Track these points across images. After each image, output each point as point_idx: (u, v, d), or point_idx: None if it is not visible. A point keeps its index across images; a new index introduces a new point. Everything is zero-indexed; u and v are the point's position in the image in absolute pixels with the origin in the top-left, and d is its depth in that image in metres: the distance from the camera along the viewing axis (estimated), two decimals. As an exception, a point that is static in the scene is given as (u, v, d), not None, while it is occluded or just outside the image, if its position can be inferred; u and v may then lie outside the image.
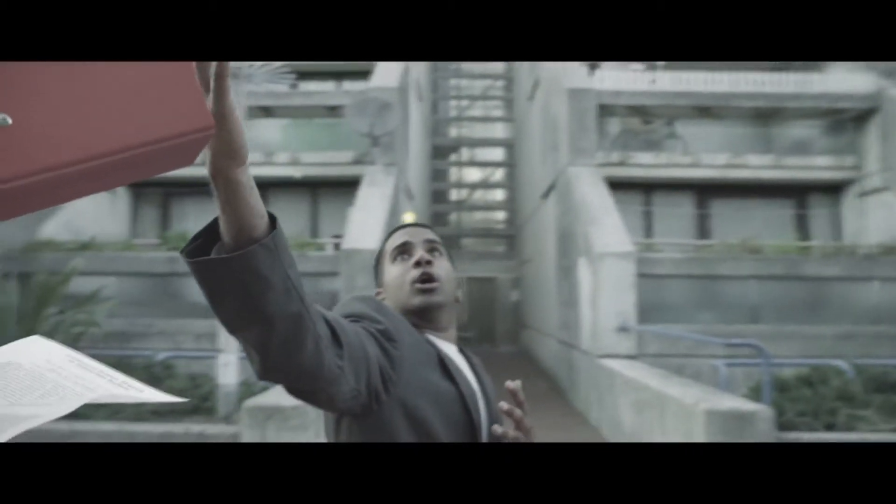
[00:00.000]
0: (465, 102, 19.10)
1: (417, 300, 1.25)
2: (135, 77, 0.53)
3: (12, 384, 0.65)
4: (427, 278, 1.26)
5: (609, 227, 7.98)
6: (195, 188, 10.48)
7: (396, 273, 1.30)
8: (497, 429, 1.15)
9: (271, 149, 10.23)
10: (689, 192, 10.63)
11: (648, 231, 10.48)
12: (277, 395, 4.56)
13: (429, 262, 1.27)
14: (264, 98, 10.01)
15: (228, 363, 5.10)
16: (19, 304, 5.37)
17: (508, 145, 18.59)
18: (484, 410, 1.22)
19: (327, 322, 0.95)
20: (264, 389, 5.85)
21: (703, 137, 10.38)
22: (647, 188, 10.58)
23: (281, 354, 0.87)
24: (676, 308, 8.11)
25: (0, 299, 5.28)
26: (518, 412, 1.14)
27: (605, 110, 10.03)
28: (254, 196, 0.81)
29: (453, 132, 19.14)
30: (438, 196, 18.19)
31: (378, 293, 1.36)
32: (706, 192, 10.50)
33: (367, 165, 9.42)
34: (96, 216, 9.84)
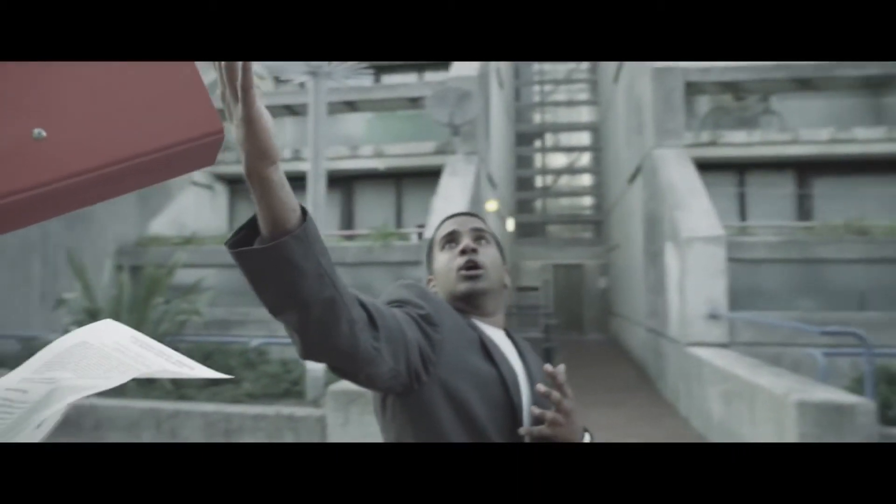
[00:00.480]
0: (548, 87, 18.80)
1: (463, 286, 1.30)
2: (144, 83, 0.57)
3: (82, 361, 0.74)
4: (472, 265, 1.31)
5: (697, 211, 7.66)
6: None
7: (444, 261, 1.36)
8: (535, 409, 1.17)
9: (356, 142, 10.53)
10: (788, 171, 9.99)
11: (743, 214, 9.97)
12: (360, 381, 4.73)
13: (474, 250, 1.32)
14: (348, 93, 10.32)
15: (315, 349, 5.34)
16: (130, 295, 5.85)
17: (594, 129, 18.15)
18: (527, 393, 1.25)
19: (364, 306, 1.02)
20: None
21: (803, 112, 9.72)
22: (741, 168, 10.03)
23: (317, 336, 0.95)
24: (773, 294, 7.69)
25: (114, 290, 5.76)
26: (556, 394, 1.16)
27: (693, 88, 9.60)
28: (285, 192, 0.88)
29: (537, 118, 18.90)
30: (523, 183, 18.05)
31: (429, 280, 1.42)
32: (807, 170, 9.83)
33: (449, 155, 9.51)
34: (197, 212, 10.52)
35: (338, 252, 8.23)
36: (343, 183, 10.96)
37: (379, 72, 12.81)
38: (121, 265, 7.92)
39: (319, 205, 5.49)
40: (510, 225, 14.93)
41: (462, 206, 8.22)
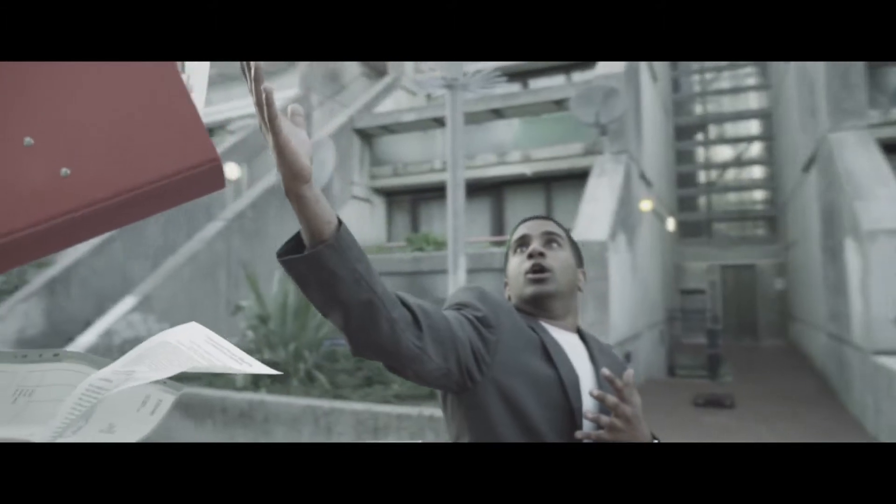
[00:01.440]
0: (709, 75, 17.54)
1: (529, 290, 1.32)
2: (141, 117, 0.62)
3: (158, 357, 0.89)
4: (538, 269, 1.32)
5: (882, 200, 6.75)
6: (439, 192, 11.40)
7: (514, 264, 1.39)
8: (589, 413, 1.15)
9: (504, 149, 10.65)
10: None
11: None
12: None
13: (541, 254, 1.32)
14: (493, 101, 10.48)
15: (457, 353, 5.49)
16: (294, 302, 6.44)
17: (764, 116, 16.60)
18: (590, 396, 1.23)
19: (408, 307, 1.08)
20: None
21: None
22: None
23: (359, 334, 1.03)
24: None
25: (279, 298, 6.38)
26: (611, 399, 1.13)
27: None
28: (321, 206, 0.97)
29: (698, 109, 17.69)
30: (684, 179, 16.97)
31: (505, 283, 1.46)
32: None
33: (598, 155, 9.28)
34: (358, 224, 11.27)
35: (486, 258, 8.38)
36: (493, 189, 11.15)
37: (525, 76, 12.86)
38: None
39: (458, 213, 5.65)
40: (670, 224, 14.16)
41: (609, 207, 7.99)
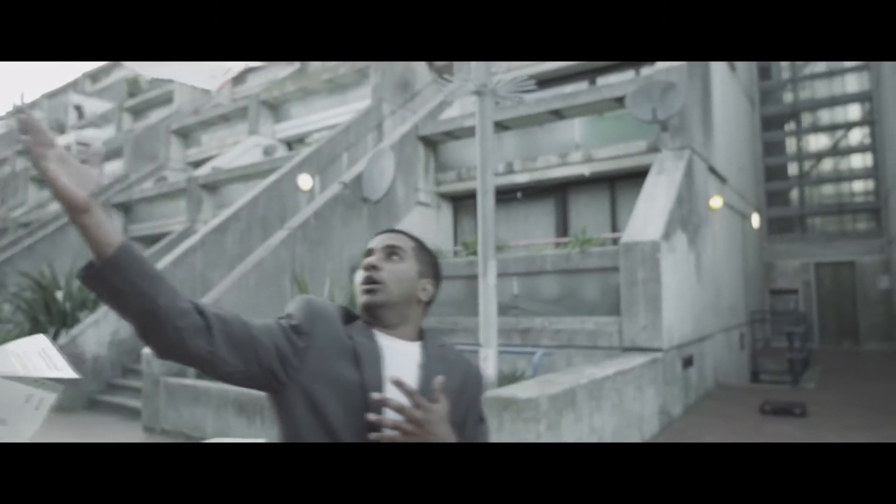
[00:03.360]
0: (800, 61, 16.30)
1: (361, 300, 1.42)
2: None
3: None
4: (369, 280, 1.42)
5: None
6: (504, 196, 11.41)
7: (358, 276, 1.50)
8: (371, 416, 1.22)
9: (566, 149, 10.51)
10: None
11: None
12: (514, 389, 4.81)
13: (373, 267, 1.42)
14: (553, 102, 10.38)
15: (487, 356, 5.54)
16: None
17: (865, 99, 15.24)
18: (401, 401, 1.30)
19: (205, 317, 1.21)
20: (516, 380, 6.16)
21: None
22: None
23: (148, 339, 1.18)
24: None
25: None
26: (395, 402, 1.20)
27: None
28: (101, 231, 1.11)
29: (788, 97, 16.49)
30: (774, 172, 15.90)
31: None
32: None
33: (659, 153, 8.98)
34: (424, 228, 11.50)
35: (538, 261, 8.34)
36: (556, 191, 11.02)
37: (592, 74, 12.61)
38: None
39: (488, 218, 5.70)
40: (755, 221, 13.35)
41: (663, 206, 7.72)
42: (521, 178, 10.81)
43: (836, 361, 11.82)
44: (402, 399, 1.19)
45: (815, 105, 16.33)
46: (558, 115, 10.43)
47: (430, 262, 1.49)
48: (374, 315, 1.39)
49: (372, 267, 1.41)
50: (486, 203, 5.66)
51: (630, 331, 7.21)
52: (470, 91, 5.72)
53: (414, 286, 1.43)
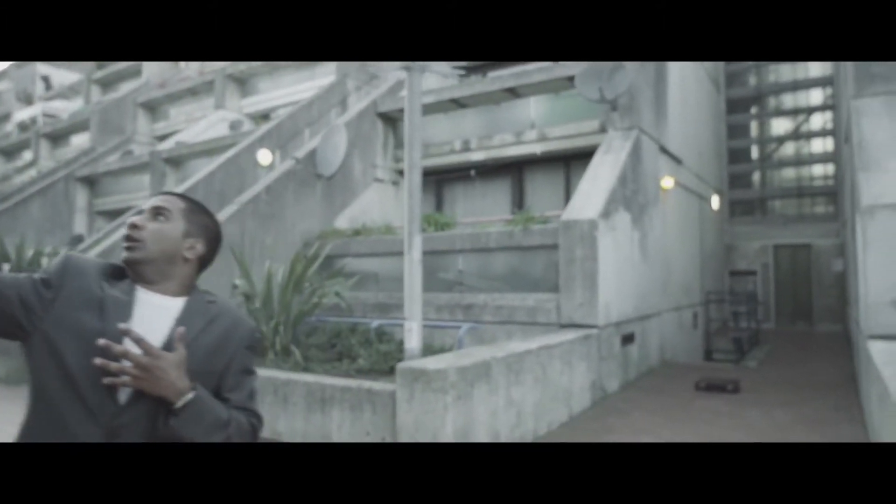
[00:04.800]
0: (768, 43, 16.26)
1: (122, 256, 1.48)
2: None
3: None
4: (127, 238, 1.48)
5: (891, 173, 6.23)
6: (461, 173, 11.44)
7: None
8: (98, 361, 1.28)
9: (521, 127, 10.54)
10: None
11: None
12: (426, 361, 4.90)
13: (134, 226, 1.48)
14: (508, 80, 10.38)
15: (412, 329, 5.61)
16: (281, 283, 6.77)
17: (828, 84, 15.35)
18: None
19: None
20: (441, 351, 6.26)
21: None
22: None
23: None
24: None
25: (265, 279, 6.73)
26: (119, 348, 1.28)
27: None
28: None
29: (753, 80, 16.57)
30: (738, 155, 16.02)
31: None
32: None
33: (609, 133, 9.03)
34: (382, 206, 11.52)
35: (482, 238, 8.40)
36: (513, 168, 11.07)
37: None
38: (317, 255, 9.12)
39: (414, 193, 5.74)
40: (715, 202, 13.48)
41: (605, 185, 7.79)
42: (477, 156, 10.84)
43: (787, 341, 12.05)
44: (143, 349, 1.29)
45: (779, 89, 16.43)
46: (514, 93, 10.43)
47: (202, 223, 1.56)
48: (135, 271, 1.46)
49: (133, 226, 1.48)
50: (412, 179, 5.70)
51: (567, 308, 7.31)
52: (399, 67, 5.71)
53: (177, 245, 1.49)
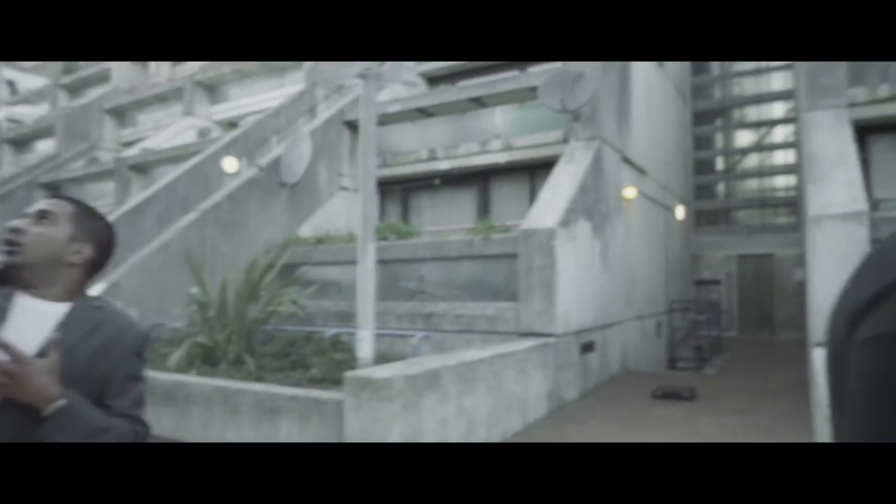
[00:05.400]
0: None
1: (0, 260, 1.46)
2: None
3: None
4: (6, 242, 1.45)
5: (837, 184, 6.37)
6: (428, 182, 11.46)
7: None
8: None
9: (486, 137, 10.59)
10: None
11: (946, 183, 8.00)
12: (373, 370, 4.87)
13: (14, 230, 1.45)
14: (475, 89, 10.44)
15: (364, 338, 5.59)
16: (237, 292, 6.70)
17: (789, 97, 15.71)
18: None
19: None
20: (400, 359, 6.24)
21: None
22: (943, 127, 8.04)
23: None
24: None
25: (220, 288, 6.65)
26: None
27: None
28: None
29: (718, 93, 16.89)
30: (704, 166, 16.30)
31: None
32: None
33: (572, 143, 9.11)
34: (348, 213, 11.48)
35: (444, 247, 8.41)
36: (479, 178, 11.11)
37: (524, 64, 12.70)
38: (273, 263, 9.05)
39: (369, 201, 5.73)
40: (680, 213, 13.66)
41: (566, 195, 7.85)
42: (443, 166, 10.86)
43: (749, 349, 12.22)
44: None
45: (743, 102, 16.76)
46: (479, 102, 10.49)
47: (91, 228, 1.54)
48: (15, 276, 1.43)
49: (13, 230, 1.45)
50: (367, 186, 5.69)
51: (526, 316, 7.33)
52: (354, 74, 5.71)
53: (61, 249, 1.47)
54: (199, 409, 5.65)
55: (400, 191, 11.83)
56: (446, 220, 11.20)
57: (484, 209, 11.11)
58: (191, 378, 5.80)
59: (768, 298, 14.57)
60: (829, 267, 5.97)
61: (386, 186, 11.98)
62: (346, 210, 11.39)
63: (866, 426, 0.99)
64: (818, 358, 5.23)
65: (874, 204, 6.98)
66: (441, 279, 8.53)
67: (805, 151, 7.11)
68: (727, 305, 14.33)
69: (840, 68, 7.74)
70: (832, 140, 7.08)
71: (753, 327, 14.03)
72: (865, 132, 8.33)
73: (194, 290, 7.01)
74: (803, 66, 7.92)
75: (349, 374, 4.75)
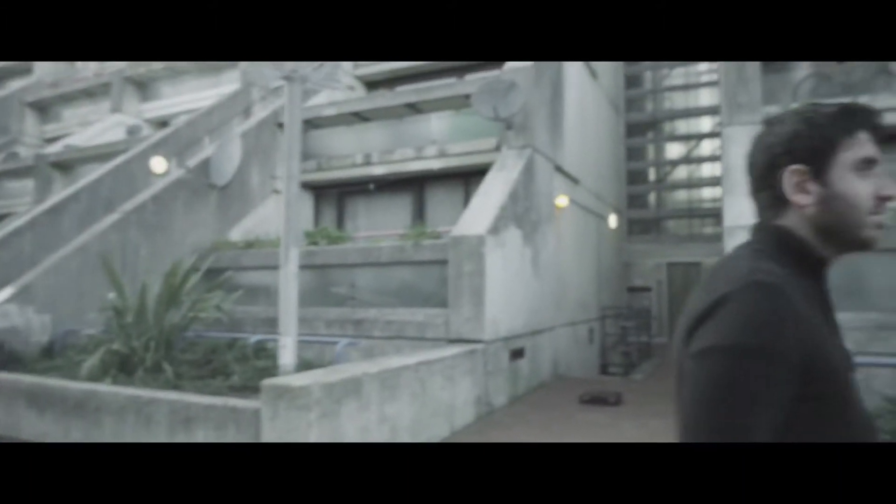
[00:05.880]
0: (664, 71, 17.35)
1: None
2: None
3: None
4: None
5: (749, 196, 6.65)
6: (364, 187, 11.38)
7: None
8: None
9: (422, 143, 10.60)
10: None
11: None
12: (291, 378, 4.78)
13: None
14: (409, 95, 10.44)
15: (286, 345, 5.48)
16: (157, 296, 6.47)
17: (715, 112, 16.41)
18: None
19: None
20: (321, 366, 6.16)
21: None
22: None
23: None
24: (871, 291, 6.41)
25: (139, 292, 6.40)
26: None
27: (778, 56, 8.33)
28: None
29: (650, 106, 17.50)
30: (636, 176, 16.83)
31: None
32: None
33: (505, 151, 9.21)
34: (281, 216, 11.26)
35: (374, 253, 8.35)
36: (415, 184, 11.11)
37: (463, 71, 12.80)
38: (197, 267, 8.78)
39: (292, 204, 5.63)
40: (612, 221, 14.03)
41: (495, 202, 7.94)
42: (379, 170, 10.81)
43: (670, 356, 12.65)
44: None
45: (674, 115, 17.40)
46: (415, 108, 10.50)
47: None
48: None
49: None
50: (290, 189, 5.60)
51: (456, 322, 7.36)
52: (280, 76, 5.62)
53: None
54: (111, 419, 5.42)
55: (336, 195, 11.70)
56: (382, 226, 11.14)
57: (419, 215, 11.11)
58: (103, 387, 5.56)
59: (695, 305, 15.04)
60: (742, 276, 6.22)
61: (322, 190, 11.84)
62: (279, 213, 11.18)
63: (687, 431, 1.03)
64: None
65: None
66: (373, 285, 8.48)
67: (723, 164, 7.41)
68: (657, 312, 14.80)
69: (756, 86, 8.11)
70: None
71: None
72: (780, 147, 8.74)
73: (111, 294, 6.73)
74: (724, 83, 8.26)
75: (266, 382, 4.65)
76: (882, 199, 1.13)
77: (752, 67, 8.12)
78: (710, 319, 1.06)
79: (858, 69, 8.25)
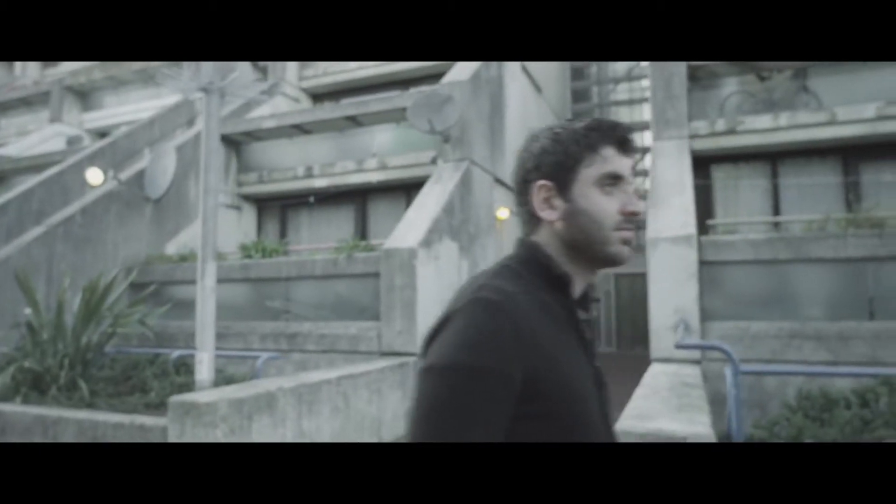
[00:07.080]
0: (610, 86, 17.71)
1: None
2: None
3: None
4: None
5: (674, 209, 6.82)
6: (303, 199, 11.29)
7: None
8: None
9: (362, 155, 10.58)
10: (832, 157, 8.63)
11: (777, 208, 8.77)
12: (198, 394, 4.69)
13: None
14: (349, 108, 10.43)
15: (202, 360, 5.38)
16: (77, 313, 6.29)
17: (659, 127, 16.90)
18: None
19: None
20: (242, 380, 6.07)
21: (846, 87, 8.34)
22: (774, 158, 8.83)
23: None
24: (766, 300, 6.60)
25: (55, 309, 6.21)
26: None
27: (703, 71, 8.60)
28: None
29: (595, 120, 17.78)
30: (583, 189, 17.05)
31: None
32: (852, 154, 8.43)
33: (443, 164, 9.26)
34: (224, 230, 11.09)
35: (308, 266, 8.28)
36: (357, 196, 11.07)
37: (408, 84, 12.86)
38: (133, 283, 8.57)
39: (209, 218, 5.56)
40: (559, 233, 14.19)
41: (429, 214, 7.96)
42: (320, 183, 10.74)
43: (621, 365, 12.79)
44: None
45: (619, 128, 17.71)
46: (356, 121, 10.49)
47: None
48: None
49: None
50: (207, 203, 5.52)
51: (388, 336, 7.33)
52: (197, 87, 5.55)
53: None
54: (16, 440, 5.23)
55: (278, 208, 11.59)
56: (325, 238, 11.05)
57: (362, 228, 11.07)
58: (9, 406, 5.36)
59: (643, 316, 15.33)
60: (663, 287, 6.37)
61: (264, 203, 11.72)
62: (223, 226, 11.00)
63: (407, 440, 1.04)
64: (650, 374, 5.54)
65: (706, 228, 7.53)
66: (308, 298, 8.39)
67: (650, 178, 7.59)
68: (605, 323, 15.00)
69: (682, 103, 8.34)
70: (673, 168, 7.59)
71: (629, 343, 14.73)
72: (709, 162, 9.01)
73: (27, 310, 6.52)
74: (653, 99, 8.48)
75: (173, 398, 4.55)
76: (627, 215, 1.15)
77: (680, 84, 8.35)
78: (437, 337, 1.07)
79: (780, 87, 8.56)
